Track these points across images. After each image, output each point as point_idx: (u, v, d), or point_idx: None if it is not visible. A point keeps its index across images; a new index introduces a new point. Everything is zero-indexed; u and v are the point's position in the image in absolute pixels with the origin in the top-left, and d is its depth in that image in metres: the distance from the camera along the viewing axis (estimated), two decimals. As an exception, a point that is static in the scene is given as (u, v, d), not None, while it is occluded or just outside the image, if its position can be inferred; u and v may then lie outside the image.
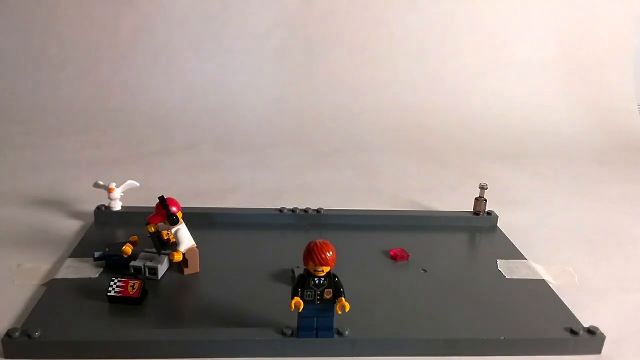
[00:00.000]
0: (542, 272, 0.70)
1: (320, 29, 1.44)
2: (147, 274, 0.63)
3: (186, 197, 0.90)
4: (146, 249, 0.66)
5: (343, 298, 0.51)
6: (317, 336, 0.53)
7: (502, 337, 0.55)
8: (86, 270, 0.65)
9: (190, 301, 0.62)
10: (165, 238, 0.66)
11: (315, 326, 0.53)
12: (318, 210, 0.81)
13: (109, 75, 1.42)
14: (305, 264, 0.50)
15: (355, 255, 0.72)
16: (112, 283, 0.59)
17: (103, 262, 0.66)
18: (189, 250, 0.65)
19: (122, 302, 0.58)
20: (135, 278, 0.60)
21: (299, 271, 0.63)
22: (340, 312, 0.51)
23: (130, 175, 0.84)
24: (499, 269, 0.70)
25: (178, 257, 0.64)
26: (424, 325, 0.58)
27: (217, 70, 1.44)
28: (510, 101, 1.44)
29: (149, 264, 0.64)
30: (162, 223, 0.65)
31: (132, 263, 0.64)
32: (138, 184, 0.80)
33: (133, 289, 0.58)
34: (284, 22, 1.44)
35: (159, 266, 0.63)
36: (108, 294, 0.58)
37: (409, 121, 1.38)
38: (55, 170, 1.03)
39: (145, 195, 0.78)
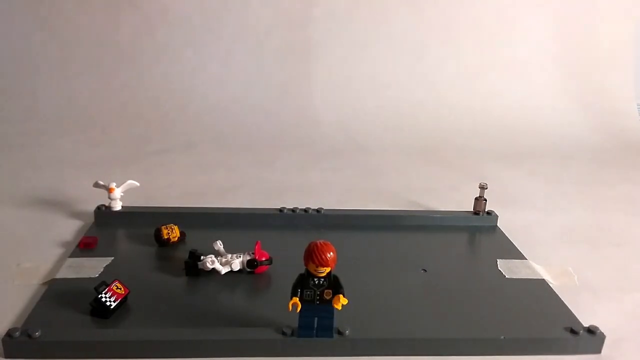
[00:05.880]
0: (542, 272, 0.70)
1: (320, 29, 1.44)
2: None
3: (186, 197, 0.90)
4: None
5: (341, 295, 0.51)
6: (316, 336, 0.53)
7: (502, 337, 0.55)
8: (86, 270, 0.65)
9: (190, 301, 0.62)
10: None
11: (315, 326, 0.53)
12: (318, 210, 0.81)
13: (109, 75, 1.42)
14: (306, 264, 0.50)
15: (355, 255, 0.72)
16: (102, 298, 0.56)
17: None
18: None
19: (121, 305, 0.58)
20: (105, 284, 0.57)
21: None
22: (338, 308, 0.51)
23: (130, 175, 0.84)
24: (499, 268, 0.70)
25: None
26: (424, 325, 0.58)
27: (217, 70, 1.44)
28: (510, 101, 1.44)
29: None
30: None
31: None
32: (138, 184, 0.80)
33: (119, 288, 0.58)
34: (284, 22, 1.44)
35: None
36: (110, 307, 0.56)
37: (409, 121, 1.38)
38: (55, 170, 1.03)
39: (145, 195, 0.78)
